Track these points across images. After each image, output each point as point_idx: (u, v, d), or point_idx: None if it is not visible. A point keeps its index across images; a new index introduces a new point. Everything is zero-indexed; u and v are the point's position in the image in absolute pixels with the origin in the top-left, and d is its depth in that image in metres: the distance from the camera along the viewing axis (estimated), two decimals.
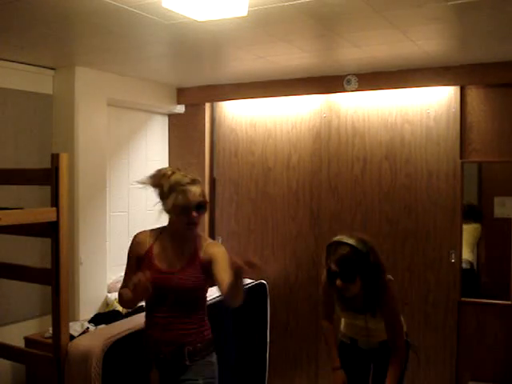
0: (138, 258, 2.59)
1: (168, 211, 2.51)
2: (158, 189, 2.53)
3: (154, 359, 2.59)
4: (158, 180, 2.53)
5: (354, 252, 2.61)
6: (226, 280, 2.33)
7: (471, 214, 4.20)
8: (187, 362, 2.51)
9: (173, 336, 2.50)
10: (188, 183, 2.45)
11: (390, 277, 2.81)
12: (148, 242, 2.58)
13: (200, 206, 2.47)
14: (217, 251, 2.52)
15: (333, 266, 2.65)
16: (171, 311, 2.50)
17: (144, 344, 2.64)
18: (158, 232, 2.61)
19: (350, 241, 2.64)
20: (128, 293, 2.45)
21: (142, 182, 2.59)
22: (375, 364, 2.99)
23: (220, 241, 4.55)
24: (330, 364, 3.00)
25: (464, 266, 4.04)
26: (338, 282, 2.63)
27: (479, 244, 4.35)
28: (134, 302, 2.59)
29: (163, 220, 2.60)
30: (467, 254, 4.19)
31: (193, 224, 2.48)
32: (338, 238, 2.71)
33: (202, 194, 2.49)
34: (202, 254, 2.52)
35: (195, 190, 2.45)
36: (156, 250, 2.56)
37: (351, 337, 2.97)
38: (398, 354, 2.77)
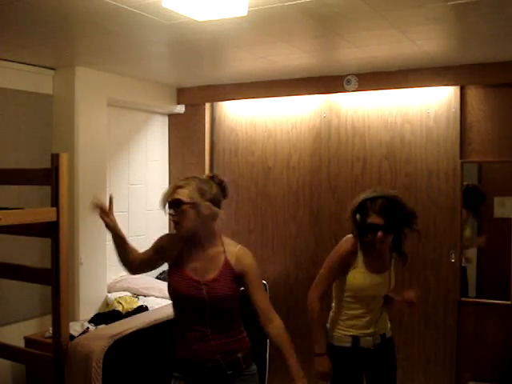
0: (162, 255, 2.51)
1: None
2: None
3: (191, 374, 2.40)
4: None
5: (394, 203, 2.65)
6: (262, 301, 2.38)
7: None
8: (238, 370, 2.39)
9: (219, 344, 2.36)
10: (172, 185, 2.43)
11: None
12: (177, 244, 2.46)
13: (171, 205, 2.36)
14: (250, 264, 2.41)
15: (375, 219, 2.62)
16: (207, 323, 2.36)
17: (177, 359, 2.45)
18: (184, 239, 2.46)
19: (386, 193, 2.69)
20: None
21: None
22: (368, 369, 2.88)
23: None
24: (316, 349, 2.86)
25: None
26: (380, 233, 2.62)
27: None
28: (119, 254, 2.59)
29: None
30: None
31: (174, 222, 2.37)
32: (367, 195, 2.70)
33: (183, 193, 2.34)
34: (233, 263, 2.39)
35: (168, 189, 2.42)
36: (186, 255, 2.43)
37: (355, 335, 2.80)
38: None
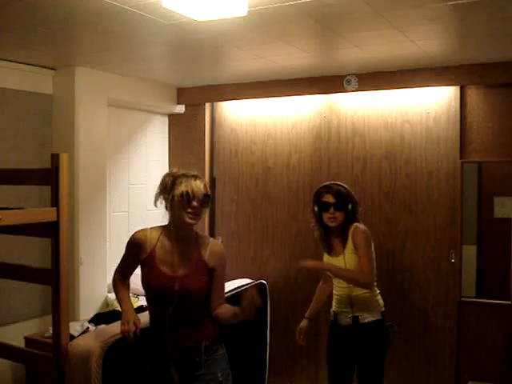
0: (136, 257, 2.55)
1: (171, 203, 2.45)
2: (162, 186, 2.53)
3: (168, 358, 2.52)
4: (163, 182, 2.55)
5: (342, 187, 3.24)
6: (219, 299, 2.57)
7: None
8: (203, 358, 2.50)
9: (184, 335, 2.48)
10: (191, 176, 2.47)
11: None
12: (149, 243, 2.51)
13: (203, 198, 2.45)
14: (220, 261, 2.56)
15: (329, 198, 3.16)
16: (179, 313, 2.46)
17: (153, 344, 2.57)
18: (159, 232, 2.54)
19: (337, 183, 3.31)
20: (118, 291, 2.67)
21: (156, 198, 2.57)
22: (360, 355, 3.19)
23: (220, 240, 4.55)
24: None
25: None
26: (332, 209, 3.14)
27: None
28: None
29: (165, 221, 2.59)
30: None
31: (194, 214, 2.42)
32: (324, 184, 3.30)
33: (206, 188, 2.48)
34: (206, 257, 2.52)
35: (199, 182, 2.45)
36: (159, 252, 2.50)
37: (335, 311, 3.30)
38: (363, 274, 3.11)
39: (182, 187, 2.43)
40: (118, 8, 2.49)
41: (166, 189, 2.50)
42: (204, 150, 4.70)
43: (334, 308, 3.33)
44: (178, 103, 4.75)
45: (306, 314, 3.50)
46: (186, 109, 4.79)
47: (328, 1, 2.40)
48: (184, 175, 2.48)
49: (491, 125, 3.78)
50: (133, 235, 2.58)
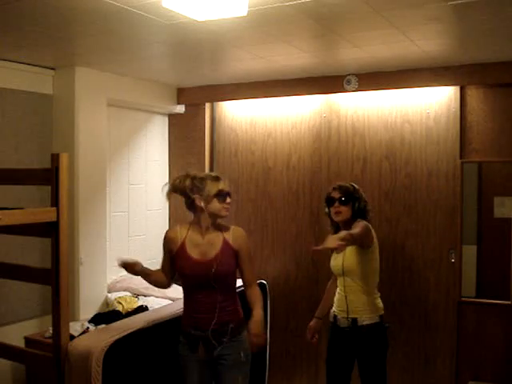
0: (170, 253, 2.94)
1: (206, 200, 2.85)
2: (187, 186, 2.87)
3: (198, 337, 2.86)
4: (181, 182, 2.90)
5: (350, 185, 3.34)
6: (249, 281, 2.95)
7: None
8: (229, 339, 2.85)
9: (214, 316, 2.83)
10: (216, 177, 2.91)
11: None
12: (179, 237, 2.91)
13: (229, 194, 2.92)
14: (243, 243, 2.95)
15: (335, 194, 3.27)
16: (209, 296, 2.84)
17: (184, 325, 2.93)
18: (187, 227, 2.94)
19: (349, 183, 3.39)
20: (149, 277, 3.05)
21: (168, 196, 2.97)
22: (360, 358, 3.23)
23: None
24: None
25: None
26: (336, 204, 3.25)
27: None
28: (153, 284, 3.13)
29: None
30: None
31: (227, 209, 2.90)
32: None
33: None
34: (231, 241, 2.91)
35: (223, 183, 2.91)
36: (189, 243, 2.89)
37: (335, 313, 3.32)
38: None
39: (216, 187, 2.86)
40: (118, 8, 2.49)
41: (197, 188, 2.87)
42: (204, 150, 4.70)
43: (333, 309, 3.37)
44: (178, 103, 4.75)
45: (316, 314, 3.55)
46: (186, 109, 4.79)
47: (328, 1, 2.40)
48: (210, 176, 2.90)
49: (491, 125, 3.78)
50: (165, 234, 3.00)
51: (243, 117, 4.60)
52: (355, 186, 3.34)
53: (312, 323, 3.52)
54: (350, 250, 3.19)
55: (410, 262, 4.01)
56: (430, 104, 3.94)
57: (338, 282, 3.31)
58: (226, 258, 2.87)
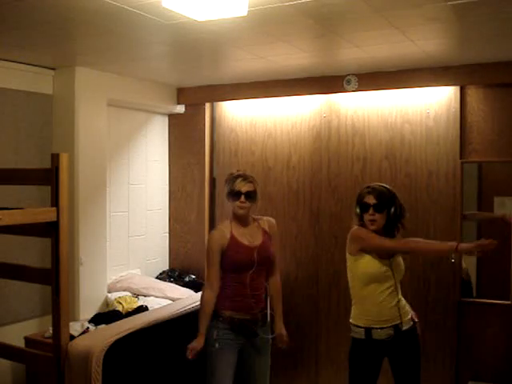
0: (221, 249, 3.12)
1: (227, 198, 3.19)
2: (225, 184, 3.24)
3: (240, 323, 3.11)
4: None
5: (385, 188, 3.10)
6: (276, 258, 3.30)
7: None
8: (264, 322, 3.22)
9: (256, 301, 3.14)
10: (236, 177, 3.15)
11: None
12: (227, 232, 3.15)
13: (247, 194, 3.11)
14: (275, 230, 3.32)
15: (370, 199, 3.03)
16: (256, 280, 3.13)
17: (228, 311, 3.11)
18: (229, 223, 3.20)
19: (381, 184, 3.17)
20: (205, 311, 3.11)
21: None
22: (391, 357, 3.06)
23: None
24: None
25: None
26: (371, 210, 3.02)
27: None
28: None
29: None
30: None
31: (242, 208, 3.12)
32: (368, 185, 3.17)
33: (251, 186, 3.14)
34: (268, 229, 3.26)
35: (242, 182, 3.12)
36: (236, 233, 3.15)
37: (367, 327, 3.00)
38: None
39: (230, 186, 3.16)
40: (118, 8, 2.49)
41: (227, 187, 3.21)
42: (204, 150, 4.70)
43: (363, 323, 3.03)
44: (178, 103, 4.75)
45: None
46: (186, 109, 4.79)
47: (328, 1, 2.40)
48: (230, 177, 3.19)
49: (491, 125, 3.78)
50: (210, 237, 3.20)
51: (243, 117, 4.60)
52: (390, 188, 3.11)
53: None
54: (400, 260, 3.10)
55: (410, 261, 4.00)
56: (430, 104, 3.94)
57: (381, 288, 3.01)
58: (269, 244, 3.22)
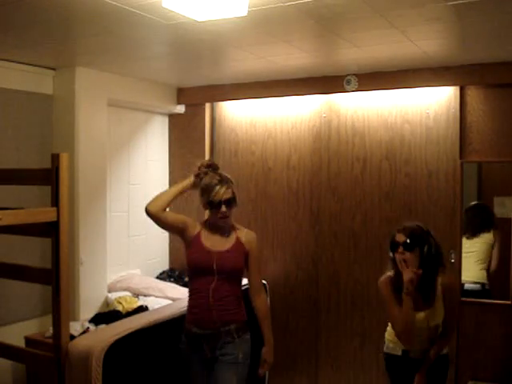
0: (183, 227, 2.97)
1: (204, 208, 2.98)
2: (200, 186, 2.98)
3: (197, 337, 2.90)
4: (201, 180, 2.99)
5: (417, 226, 2.93)
6: (256, 278, 3.03)
7: (480, 219, 4.08)
8: (229, 339, 2.88)
9: (219, 314, 2.87)
10: (215, 184, 2.89)
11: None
12: (197, 228, 2.99)
13: (226, 202, 2.89)
14: (255, 247, 3.02)
15: (400, 237, 2.87)
16: (216, 289, 2.87)
17: (188, 322, 2.96)
18: (203, 223, 3.03)
19: (416, 223, 3.00)
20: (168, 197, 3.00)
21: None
22: (428, 375, 2.96)
23: None
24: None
25: (472, 287, 3.93)
26: (400, 249, 2.85)
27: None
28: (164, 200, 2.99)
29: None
30: (477, 274, 4.00)
31: (224, 217, 2.91)
32: (402, 225, 3.00)
33: (229, 191, 2.91)
34: (243, 241, 2.99)
35: (221, 189, 2.88)
36: (203, 234, 2.97)
37: (403, 349, 2.97)
38: (447, 340, 3.00)
39: (208, 195, 2.92)
40: (118, 8, 2.49)
41: (202, 192, 2.99)
42: (204, 150, 4.70)
43: (400, 345, 2.97)
44: (178, 103, 4.75)
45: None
46: (186, 109, 4.79)
47: (328, 1, 2.40)
48: (208, 185, 2.93)
49: (491, 125, 3.78)
50: (188, 218, 3.04)
51: (243, 117, 4.60)
52: (423, 226, 2.93)
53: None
54: (437, 304, 2.90)
55: None
56: (430, 104, 3.94)
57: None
58: (237, 254, 2.94)
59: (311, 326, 4.36)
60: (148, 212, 2.91)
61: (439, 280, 2.89)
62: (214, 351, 2.89)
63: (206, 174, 2.97)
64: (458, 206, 3.86)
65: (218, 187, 2.88)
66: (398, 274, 2.87)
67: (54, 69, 3.89)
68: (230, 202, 2.93)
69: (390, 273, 2.98)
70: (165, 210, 2.96)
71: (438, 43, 3.20)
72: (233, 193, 2.94)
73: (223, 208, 2.89)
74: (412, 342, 2.88)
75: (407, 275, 2.78)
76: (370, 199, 4.13)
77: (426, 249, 2.82)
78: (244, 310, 2.99)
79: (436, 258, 2.87)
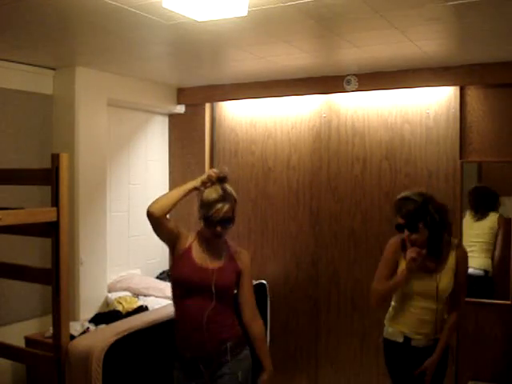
0: (177, 237, 2.72)
1: (199, 219, 2.71)
2: (198, 196, 2.71)
3: (193, 361, 2.65)
4: (206, 180, 2.69)
5: (412, 201, 2.84)
6: (250, 300, 2.76)
7: (483, 201, 4.03)
8: (228, 358, 2.65)
9: (215, 334, 2.63)
10: (216, 200, 2.62)
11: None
12: (189, 240, 2.73)
13: (224, 222, 2.64)
14: (247, 266, 2.79)
15: (399, 220, 2.85)
16: (208, 306, 2.62)
17: (178, 342, 2.71)
18: (196, 234, 2.76)
19: (408, 194, 2.90)
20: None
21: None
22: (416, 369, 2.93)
23: None
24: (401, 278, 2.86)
25: (475, 272, 3.90)
26: (406, 232, 2.83)
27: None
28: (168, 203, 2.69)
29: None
30: (482, 261, 3.95)
31: (217, 236, 2.68)
32: (400, 195, 2.93)
33: (229, 210, 2.65)
34: (236, 259, 2.76)
35: (221, 207, 2.61)
36: (194, 248, 2.72)
37: (407, 334, 2.92)
38: (460, 308, 2.99)
39: (207, 211, 2.65)
40: (118, 8, 2.49)
41: (199, 206, 2.72)
42: (204, 150, 4.70)
43: (403, 329, 2.94)
44: (178, 103, 4.75)
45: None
46: (186, 109, 4.79)
47: (328, 1, 2.40)
48: (207, 201, 2.65)
49: (491, 125, 3.78)
50: (183, 229, 2.78)
51: (243, 117, 4.60)
52: (416, 198, 2.84)
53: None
54: (448, 273, 2.89)
55: None
56: (430, 104, 3.94)
57: (421, 303, 2.90)
58: (229, 271, 2.71)
59: (311, 325, 4.36)
60: (151, 215, 2.62)
61: (453, 253, 2.90)
62: (213, 375, 2.65)
63: (213, 183, 2.69)
64: (457, 206, 3.85)
65: (219, 205, 2.62)
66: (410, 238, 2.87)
67: (53, 69, 3.89)
68: (227, 222, 2.67)
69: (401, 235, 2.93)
70: (167, 214, 2.70)
71: (438, 43, 3.20)
72: (232, 211, 2.68)
73: (218, 228, 2.64)
74: (377, 304, 2.95)
75: (410, 254, 2.80)
76: (370, 199, 4.13)
77: (428, 219, 2.80)
78: (238, 324, 2.76)
79: (441, 222, 2.83)
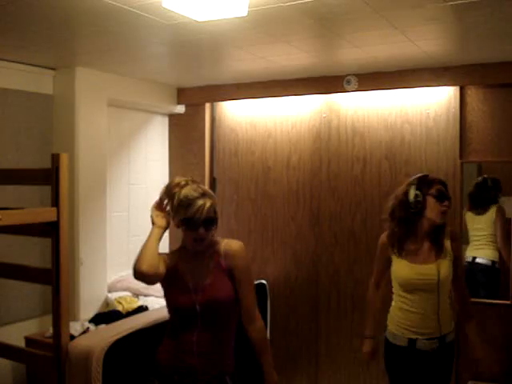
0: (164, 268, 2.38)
1: (177, 226, 2.35)
2: (170, 201, 2.36)
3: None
4: (171, 190, 2.35)
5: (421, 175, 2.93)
6: (247, 299, 2.38)
7: (488, 192, 3.99)
8: None
9: (209, 363, 2.34)
10: (197, 197, 2.27)
11: None
12: (173, 260, 2.40)
13: (207, 222, 2.29)
14: (237, 260, 2.38)
15: (443, 187, 2.85)
16: (204, 332, 2.33)
17: (164, 365, 2.45)
18: (177, 253, 2.44)
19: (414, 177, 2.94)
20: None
21: (161, 198, 2.42)
22: (433, 368, 2.86)
23: None
24: (364, 331, 3.05)
25: (483, 261, 3.89)
26: (447, 202, 2.80)
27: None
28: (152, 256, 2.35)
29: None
30: (490, 252, 3.90)
31: (200, 240, 2.31)
32: (420, 175, 2.93)
33: (212, 210, 2.31)
34: (222, 260, 2.36)
35: (203, 203, 2.26)
36: (181, 266, 2.39)
37: (411, 337, 2.82)
38: (468, 298, 3.03)
39: (185, 213, 2.31)
40: (118, 8, 2.49)
41: (173, 208, 2.37)
42: (204, 149, 4.70)
43: (407, 331, 2.84)
44: (178, 103, 4.75)
45: (369, 333, 3.04)
46: (186, 109, 4.79)
47: (328, 1, 2.41)
48: (187, 198, 2.30)
49: (491, 125, 3.78)
50: (164, 256, 2.44)
51: (243, 117, 4.60)
52: (398, 192, 3.01)
53: (367, 347, 3.03)
54: (446, 259, 2.82)
55: None
56: (430, 104, 3.94)
57: (421, 297, 2.80)
58: (219, 282, 2.34)
59: (311, 326, 4.36)
60: (146, 275, 2.30)
61: (448, 238, 2.87)
62: None
63: (186, 184, 2.35)
64: (457, 205, 3.85)
65: (200, 202, 2.25)
66: (393, 232, 2.91)
67: (53, 69, 3.89)
68: (211, 223, 2.31)
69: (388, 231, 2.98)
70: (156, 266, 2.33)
71: (438, 43, 3.20)
72: (215, 212, 2.33)
73: (201, 230, 2.28)
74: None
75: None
76: (370, 199, 4.13)
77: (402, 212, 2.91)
78: (233, 360, 2.45)
79: (415, 204, 2.84)
